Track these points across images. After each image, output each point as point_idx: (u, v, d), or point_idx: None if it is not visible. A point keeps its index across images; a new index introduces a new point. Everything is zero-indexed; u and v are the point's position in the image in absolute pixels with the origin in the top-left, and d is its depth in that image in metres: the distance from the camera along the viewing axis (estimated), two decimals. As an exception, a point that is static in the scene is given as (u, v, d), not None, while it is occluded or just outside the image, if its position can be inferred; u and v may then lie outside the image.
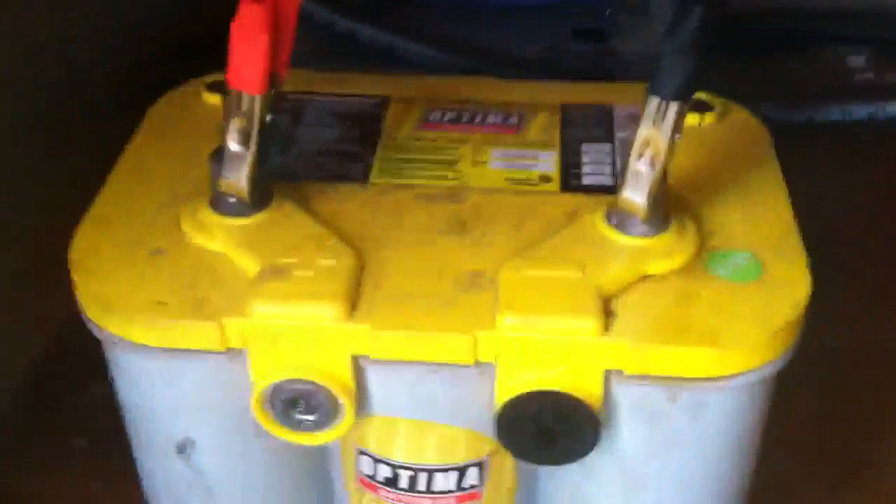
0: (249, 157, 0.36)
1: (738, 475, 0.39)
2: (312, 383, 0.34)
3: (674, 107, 0.34)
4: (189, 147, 0.42)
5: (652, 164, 0.35)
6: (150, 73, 0.50)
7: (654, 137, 0.35)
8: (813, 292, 0.35)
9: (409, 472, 0.37)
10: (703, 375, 0.34)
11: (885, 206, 0.68)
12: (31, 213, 0.53)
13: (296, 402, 0.35)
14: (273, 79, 0.36)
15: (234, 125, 0.36)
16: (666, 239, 0.36)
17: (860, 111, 0.53)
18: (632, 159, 0.35)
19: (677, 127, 0.34)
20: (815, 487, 0.51)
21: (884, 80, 0.56)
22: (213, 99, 0.44)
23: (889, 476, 0.52)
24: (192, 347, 0.35)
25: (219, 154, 0.36)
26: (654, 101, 0.34)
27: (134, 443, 0.40)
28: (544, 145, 0.43)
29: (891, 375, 0.57)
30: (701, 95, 0.44)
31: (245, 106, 0.36)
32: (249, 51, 0.35)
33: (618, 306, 0.34)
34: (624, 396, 0.35)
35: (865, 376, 0.56)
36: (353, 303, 0.34)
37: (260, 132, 0.36)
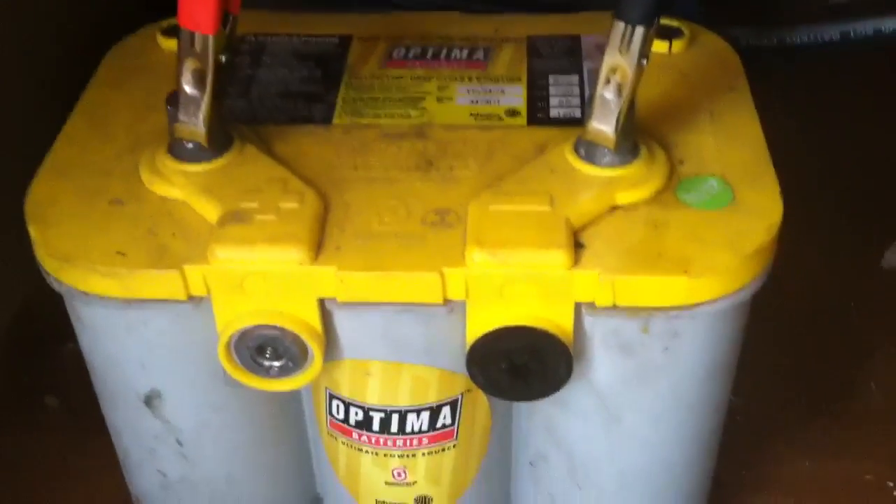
0: (205, 99, 0.35)
1: (713, 404, 0.38)
2: (279, 328, 0.34)
3: (640, 31, 0.33)
4: (146, 93, 0.41)
5: (619, 91, 0.34)
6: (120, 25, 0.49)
7: (620, 64, 0.34)
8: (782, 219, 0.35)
9: (381, 414, 0.37)
10: (676, 304, 0.33)
11: (859, 130, 0.68)
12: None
13: (263, 349, 0.35)
14: (226, 18, 0.35)
15: (188, 66, 0.35)
16: (635, 168, 0.35)
17: (831, 32, 0.52)
18: (598, 87, 0.34)
19: (644, 53, 0.34)
20: (788, 414, 0.51)
21: (856, 3, 0.55)
22: (170, 44, 0.43)
23: (859, 397, 0.52)
24: (154, 297, 0.34)
25: (175, 98, 0.35)
26: (619, 27, 0.33)
27: (102, 398, 0.39)
28: (511, 79, 0.42)
29: (850, 302, 0.57)
30: (670, 21, 0.43)
31: (198, 46, 0.35)
32: (199, -11, 0.34)
33: (588, 238, 0.34)
34: (596, 328, 0.34)
35: (825, 304, 0.57)
36: (318, 245, 0.33)
37: (215, 73, 0.35)
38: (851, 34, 0.52)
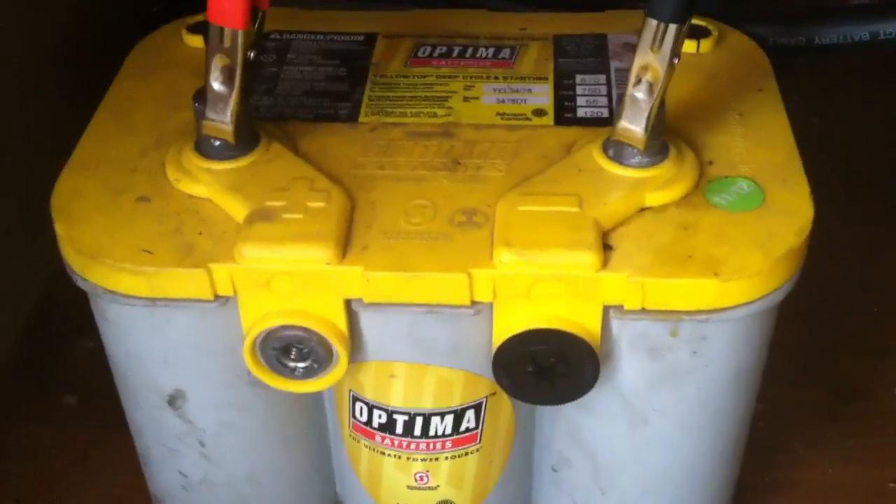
0: (234, 97, 0.35)
1: (740, 408, 0.38)
2: (304, 329, 0.34)
3: (672, 30, 0.33)
4: (171, 90, 0.40)
5: (650, 90, 0.34)
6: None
7: (651, 63, 0.33)
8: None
9: (405, 417, 0.37)
10: (704, 308, 0.33)
11: (883, 131, 0.67)
12: (17, 161, 0.52)
13: (288, 350, 0.34)
14: (255, 13, 0.34)
15: (217, 63, 0.34)
16: (664, 169, 0.35)
17: (860, 32, 0.52)
18: (629, 86, 0.34)
19: (675, 51, 0.33)
20: (809, 419, 0.51)
21: (881, 2, 0.54)
22: (195, 41, 0.43)
23: (882, 403, 0.52)
24: (180, 296, 0.34)
25: (202, 95, 0.35)
26: (651, 25, 0.33)
27: (123, 396, 0.39)
28: (537, 78, 0.41)
29: (873, 307, 0.57)
30: (698, 21, 0.43)
31: (227, 42, 0.34)
32: (228, -16, 0.33)
33: (616, 240, 0.33)
34: (624, 331, 0.34)
35: (848, 309, 0.56)
36: (345, 245, 0.33)
37: (243, 70, 0.35)
38: (881, 34, 0.52)
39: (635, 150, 0.35)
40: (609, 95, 0.40)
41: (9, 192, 0.52)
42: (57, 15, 0.56)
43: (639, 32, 0.34)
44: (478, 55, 0.43)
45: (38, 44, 0.54)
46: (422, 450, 0.38)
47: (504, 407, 0.37)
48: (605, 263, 0.33)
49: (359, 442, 0.38)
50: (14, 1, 0.52)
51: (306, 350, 0.34)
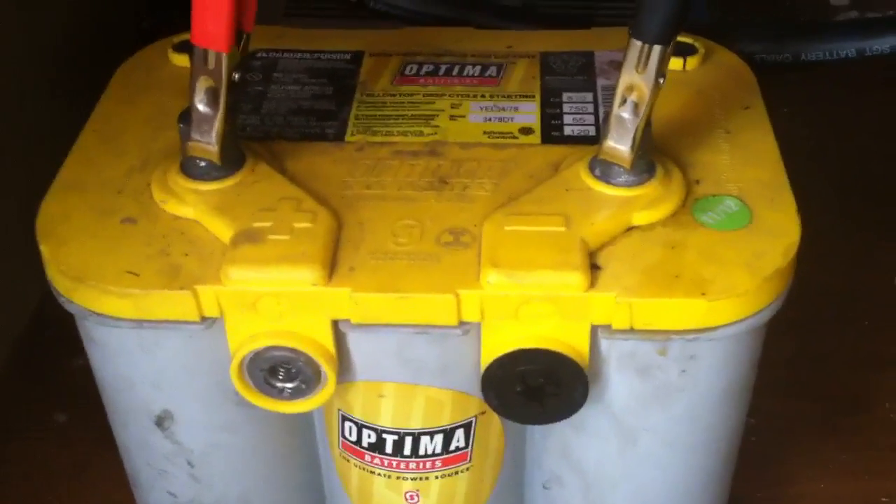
0: (219, 118, 0.35)
1: (730, 426, 0.38)
2: (292, 350, 0.34)
3: (657, 50, 0.33)
4: (157, 110, 0.40)
5: (636, 110, 0.34)
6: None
7: (637, 83, 0.33)
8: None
9: (394, 437, 0.36)
10: (693, 327, 0.33)
11: (869, 145, 0.67)
12: (17, 162, 0.52)
13: (276, 371, 0.34)
14: (239, 35, 0.34)
15: (201, 85, 0.34)
16: (651, 188, 0.35)
17: (847, 48, 0.52)
18: (615, 106, 0.34)
19: (661, 71, 0.33)
20: (801, 433, 0.51)
21: (867, 18, 0.54)
22: (181, 60, 0.43)
23: (874, 417, 0.52)
24: (166, 318, 0.33)
25: (187, 116, 0.35)
26: (635, 46, 0.33)
27: (112, 417, 0.39)
28: (524, 96, 0.41)
29: (864, 321, 0.57)
30: (684, 38, 0.43)
31: (212, 64, 0.34)
32: (213, 6, 0.33)
33: (604, 259, 0.33)
34: (612, 351, 0.34)
35: (839, 323, 0.56)
36: (332, 266, 0.33)
37: (228, 91, 0.35)
38: (867, 51, 0.52)
39: (622, 169, 0.35)
40: (596, 113, 0.40)
41: (8, 193, 0.51)
42: (56, 14, 0.56)
43: (624, 51, 0.34)
44: (464, 73, 0.43)
45: (37, 43, 0.54)
46: (412, 469, 0.38)
47: (494, 426, 0.37)
48: (592, 283, 0.33)
49: (349, 461, 0.38)
50: (12, 0, 0.51)
51: (294, 370, 0.34)
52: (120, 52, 0.44)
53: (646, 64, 0.33)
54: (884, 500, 0.48)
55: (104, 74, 0.42)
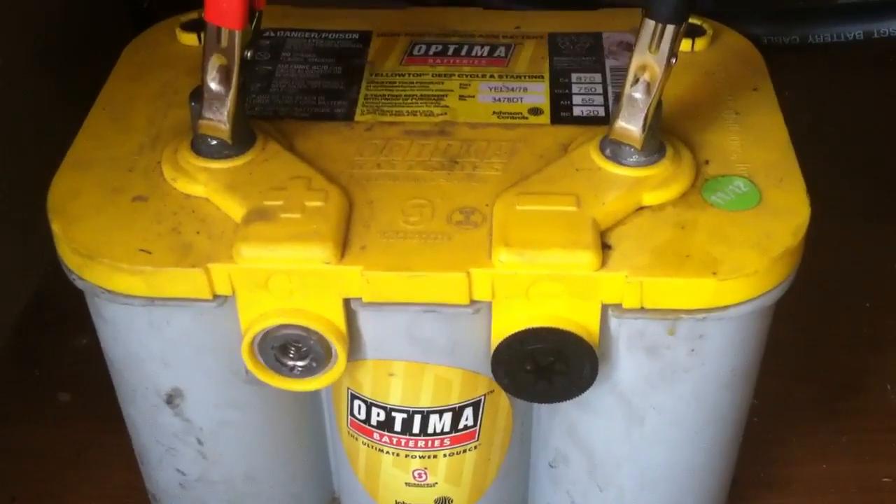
0: (230, 96, 0.35)
1: (736, 406, 0.38)
2: (303, 328, 0.34)
3: (670, 30, 0.33)
4: (165, 88, 0.40)
5: (648, 90, 0.34)
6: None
7: (649, 63, 0.34)
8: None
9: (403, 415, 0.37)
10: (702, 307, 0.33)
11: (877, 127, 0.68)
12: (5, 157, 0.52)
13: (287, 349, 0.34)
14: (251, 13, 0.34)
15: (214, 62, 0.34)
16: (662, 168, 0.35)
17: (854, 31, 0.52)
18: (626, 86, 0.34)
19: (673, 51, 0.33)
20: (803, 415, 0.51)
21: (875, 0, 0.54)
22: (189, 39, 0.43)
23: (875, 399, 0.52)
24: (178, 296, 0.34)
25: (199, 94, 0.35)
26: (649, 26, 0.33)
27: (120, 395, 0.39)
28: (533, 77, 0.41)
29: (865, 303, 0.57)
30: (693, 20, 0.43)
31: (225, 42, 0.34)
32: (225, -16, 0.33)
33: (615, 239, 0.34)
34: (622, 330, 0.34)
35: (841, 305, 0.56)
36: (343, 244, 0.33)
37: (240, 70, 0.34)
38: (875, 33, 0.52)
39: (632, 150, 0.35)
40: (605, 94, 0.40)
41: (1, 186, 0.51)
42: (50, 6, 0.56)
43: (635, 31, 0.34)
44: (473, 53, 0.43)
45: (30, 35, 0.54)
46: (420, 447, 0.38)
47: (502, 405, 0.37)
48: (603, 263, 0.33)
49: (357, 439, 0.38)
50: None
51: (305, 349, 0.34)
52: (116, 43, 0.43)
53: (658, 43, 0.33)
54: (885, 480, 0.49)
55: (97, 66, 0.42)
